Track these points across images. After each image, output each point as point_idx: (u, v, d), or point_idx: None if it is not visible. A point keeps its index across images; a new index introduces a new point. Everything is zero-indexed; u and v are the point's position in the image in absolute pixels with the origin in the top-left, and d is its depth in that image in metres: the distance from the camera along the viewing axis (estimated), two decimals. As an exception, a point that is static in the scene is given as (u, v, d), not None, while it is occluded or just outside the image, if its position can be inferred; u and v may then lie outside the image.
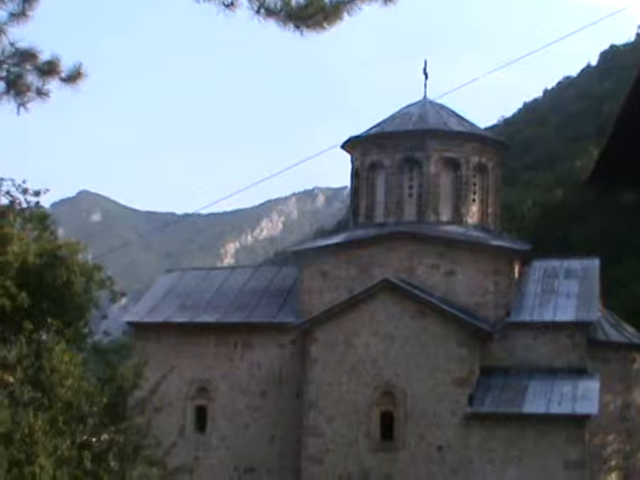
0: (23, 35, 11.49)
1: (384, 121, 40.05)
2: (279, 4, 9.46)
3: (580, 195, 66.83)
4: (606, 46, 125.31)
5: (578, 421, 32.45)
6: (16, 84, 11.69)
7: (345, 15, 9.48)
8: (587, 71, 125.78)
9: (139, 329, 39.99)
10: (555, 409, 32.55)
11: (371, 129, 39.99)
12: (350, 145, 40.12)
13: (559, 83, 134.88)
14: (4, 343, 25.90)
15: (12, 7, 11.05)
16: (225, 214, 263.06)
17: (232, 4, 9.44)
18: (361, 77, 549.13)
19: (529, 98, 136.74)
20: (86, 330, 35.19)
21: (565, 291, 36.23)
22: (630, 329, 37.27)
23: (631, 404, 35.92)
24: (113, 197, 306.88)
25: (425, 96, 40.76)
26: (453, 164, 38.26)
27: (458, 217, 38.11)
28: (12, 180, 34.89)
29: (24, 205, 34.80)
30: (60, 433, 19.96)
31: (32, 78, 11.75)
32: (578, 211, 71.30)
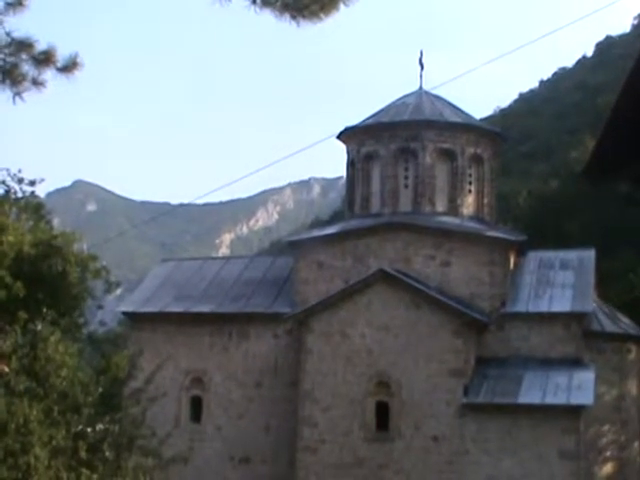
0: (19, 25, 11.46)
1: (380, 111, 39.99)
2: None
3: (575, 186, 66.85)
4: (602, 37, 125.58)
5: (573, 412, 32.45)
6: (12, 74, 11.66)
7: (341, 5, 9.43)
8: (583, 62, 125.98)
9: (134, 319, 40.00)
10: (550, 400, 32.53)
11: (367, 119, 39.93)
12: (346, 135, 40.08)
13: (555, 74, 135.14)
14: (-1, 333, 25.86)
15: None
16: (221, 204, 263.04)
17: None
18: (357, 68, 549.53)
19: (525, 89, 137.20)
20: (81, 320, 35.13)
21: (560, 282, 36.19)
22: (625, 320, 37.27)
23: (626, 395, 35.95)
24: (108, 187, 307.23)
25: (421, 87, 40.69)
26: (449, 155, 38.22)
27: (453, 208, 38.09)
28: (7, 170, 34.84)
29: (19, 195, 34.78)
30: (55, 423, 19.94)
31: (28, 68, 11.72)
32: (573, 202, 71.23)
